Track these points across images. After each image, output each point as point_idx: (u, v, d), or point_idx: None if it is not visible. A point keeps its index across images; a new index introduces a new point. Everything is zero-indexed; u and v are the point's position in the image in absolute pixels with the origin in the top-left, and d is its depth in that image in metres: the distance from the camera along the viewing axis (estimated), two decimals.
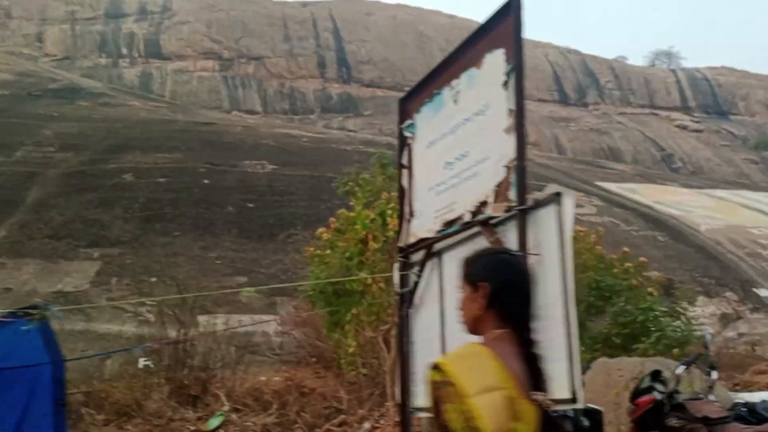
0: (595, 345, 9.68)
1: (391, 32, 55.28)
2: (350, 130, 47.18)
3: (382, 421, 8.17)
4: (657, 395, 4.65)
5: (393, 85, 52.26)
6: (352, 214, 9.46)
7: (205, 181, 20.49)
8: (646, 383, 4.81)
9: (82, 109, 30.33)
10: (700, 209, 23.85)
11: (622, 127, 54.41)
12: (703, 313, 15.93)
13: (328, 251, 9.60)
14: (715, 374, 5.06)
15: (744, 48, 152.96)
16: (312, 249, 10.46)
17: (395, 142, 5.13)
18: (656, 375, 4.95)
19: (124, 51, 45.48)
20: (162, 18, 48.27)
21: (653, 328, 9.63)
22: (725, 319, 16.23)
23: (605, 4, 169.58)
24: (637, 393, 4.78)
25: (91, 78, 39.06)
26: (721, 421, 4.27)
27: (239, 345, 10.80)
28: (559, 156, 41.71)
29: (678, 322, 10.31)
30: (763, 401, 4.98)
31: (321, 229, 10.49)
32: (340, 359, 9.61)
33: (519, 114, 3.55)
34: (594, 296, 10.46)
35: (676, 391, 4.66)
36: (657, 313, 9.91)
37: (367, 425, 8.01)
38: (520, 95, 3.55)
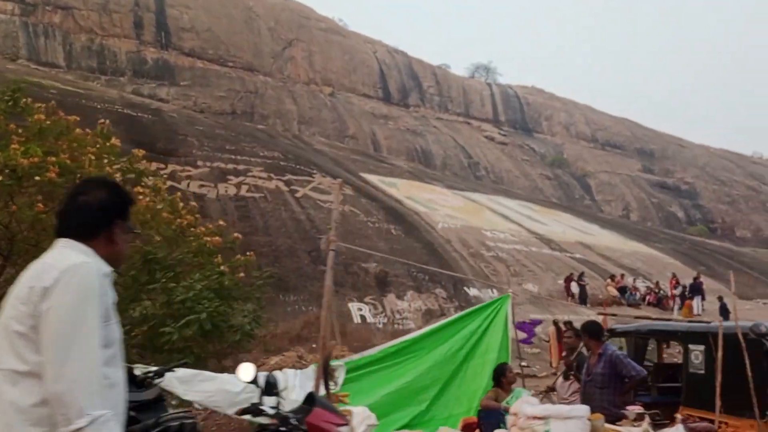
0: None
1: (219, 3, 55.38)
2: (162, 99, 46.84)
3: None
4: None
5: (215, 57, 52.90)
6: None
7: None
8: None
9: None
10: (448, 209, 27.68)
11: (437, 131, 59.10)
12: (410, 308, 18.63)
13: None
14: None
15: (555, 71, 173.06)
16: None
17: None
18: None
19: None
20: None
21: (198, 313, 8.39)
22: (429, 315, 19.05)
23: (438, 12, 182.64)
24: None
25: None
26: None
27: None
28: (341, 146, 44.62)
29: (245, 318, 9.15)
30: None
31: None
32: None
33: None
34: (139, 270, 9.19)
35: None
36: (198, 291, 8.62)
37: None
38: None
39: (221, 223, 11.81)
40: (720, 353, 6.29)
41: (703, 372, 7.05)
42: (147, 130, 24.47)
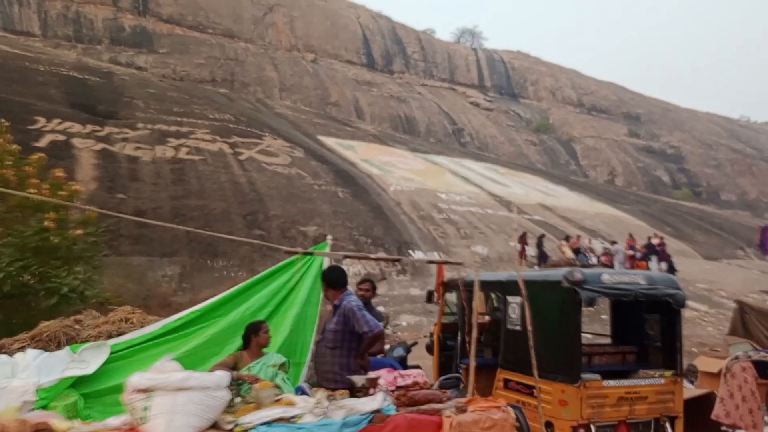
0: None
1: None
2: (140, 67, 45.92)
3: None
4: None
5: (194, 24, 51.88)
6: None
7: None
8: None
9: None
10: (405, 171, 27.04)
11: (421, 98, 58.13)
12: (348, 272, 17.84)
13: None
14: None
15: (541, 35, 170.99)
16: None
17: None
18: None
19: None
20: None
21: None
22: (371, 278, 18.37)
23: None
24: None
25: None
26: None
27: None
28: (306, 109, 43.85)
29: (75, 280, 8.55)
30: None
31: None
32: None
33: None
34: None
35: None
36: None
37: None
38: None
39: (59, 174, 10.30)
40: (526, 303, 5.47)
41: (519, 328, 5.99)
42: (91, 93, 23.74)
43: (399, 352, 7.30)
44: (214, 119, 24.77)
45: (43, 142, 18.02)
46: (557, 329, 5.51)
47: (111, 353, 5.19)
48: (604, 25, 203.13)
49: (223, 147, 21.97)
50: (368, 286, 7.43)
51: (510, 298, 6.39)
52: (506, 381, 6.19)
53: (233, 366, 5.00)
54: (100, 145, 19.04)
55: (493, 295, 7.79)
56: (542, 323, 5.58)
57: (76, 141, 18.72)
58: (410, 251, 20.22)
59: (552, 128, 58.79)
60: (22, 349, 5.39)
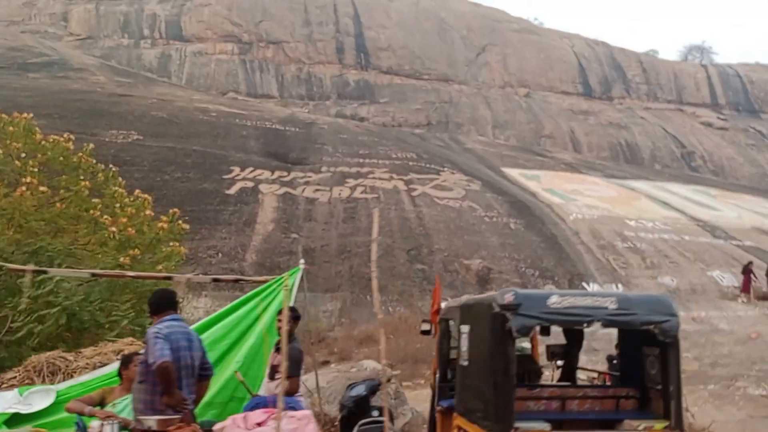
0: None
1: (413, 19, 56.97)
2: (363, 117, 49.08)
3: None
4: None
5: (411, 72, 54.21)
6: None
7: None
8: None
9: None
10: (592, 199, 24.85)
11: (644, 122, 54.54)
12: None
13: None
14: None
15: None
16: None
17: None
18: None
19: (146, 32, 48.61)
20: (184, 0, 51.03)
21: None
22: None
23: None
24: None
25: (112, 58, 42.31)
26: None
27: None
28: (502, 143, 42.53)
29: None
30: None
31: None
32: None
33: None
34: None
35: None
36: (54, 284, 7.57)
37: None
38: None
39: (172, 210, 10.99)
40: (467, 333, 4.53)
41: (467, 363, 4.92)
42: (285, 142, 25.74)
43: (359, 390, 6.33)
44: (396, 158, 25.47)
45: (233, 189, 19.91)
46: (488, 365, 4.47)
47: (58, 396, 5.18)
48: None
49: (398, 184, 22.46)
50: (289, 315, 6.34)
51: (462, 328, 5.17)
52: (459, 429, 5.02)
53: (99, 401, 4.68)
54: (283, 189, 20.54)
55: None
56: (478, 357, 4.66)
57: (262, 186, 20.42)
58: (584, 284, 18.68)
59: None
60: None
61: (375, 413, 5.39)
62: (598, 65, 58.11)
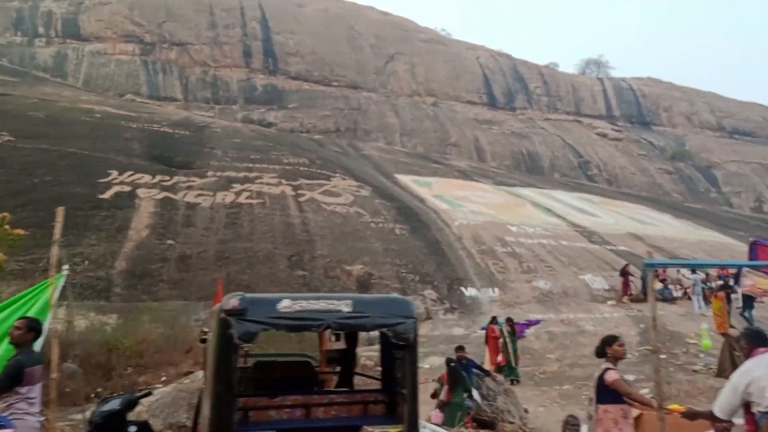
0: None
1: (322, 25, 56.78)
2: (270, 123, 48.46)
3: None
4: None
5: (320, 79, 53.96)
6: None
7: None
8: None
9: None
10: (478, 205, 25.52)
11: (544, 132, 56.33)
12: None
13: None
14: None
15: (670, 60, 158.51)
16: None
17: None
18: None
19: (41, 30, 46.40)
20: None
21: None
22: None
23: (542, 13, 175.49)
24: None
25: (3, 56, 40.16)
26: None
27: None
28: (401, 150, 43.32)
29: None
30: None
31: None
32: None
33: None
34: None
35: None
36: None
37: None
38: None
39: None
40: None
41: (207, 373, 4.68)
42: (172, 146, 25.08)
43: (112, 405, 5.32)
44: (287, 164, 25.25)
45: (108, 194, 19.17)
46: (212, 374, 4.16)
47: None
48: (745, 42, 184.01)
49: (286, 189, 22.25)
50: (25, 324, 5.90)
51: (209, 335, 4.74)
52: None
53: None
54: (164, 194, 19.94)
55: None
56: (210, 366, 4.35)
57: (140, 191, 19.76)
58: (462, 288, 19.00)
59: (689, 155, 54.21)
60: None
61: (132, 429, 5.05)
62: (501, 77, 59.71)
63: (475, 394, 9.93)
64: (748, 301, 16.82)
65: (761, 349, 4.40)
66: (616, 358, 5.58)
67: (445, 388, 9.75)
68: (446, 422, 9.19)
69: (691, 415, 4.81)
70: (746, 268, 17.24)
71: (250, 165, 23.96)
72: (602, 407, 5.34)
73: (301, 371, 5.34)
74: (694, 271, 19.17)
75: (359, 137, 49.40)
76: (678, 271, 21.06)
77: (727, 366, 8.73)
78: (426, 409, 9.51)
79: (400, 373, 4.41)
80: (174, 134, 27.03)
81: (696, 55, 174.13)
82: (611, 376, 5.31)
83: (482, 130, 54.96)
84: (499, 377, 11.62)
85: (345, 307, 4.13)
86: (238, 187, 21.67)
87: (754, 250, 9.74)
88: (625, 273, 20.64)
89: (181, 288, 16.71)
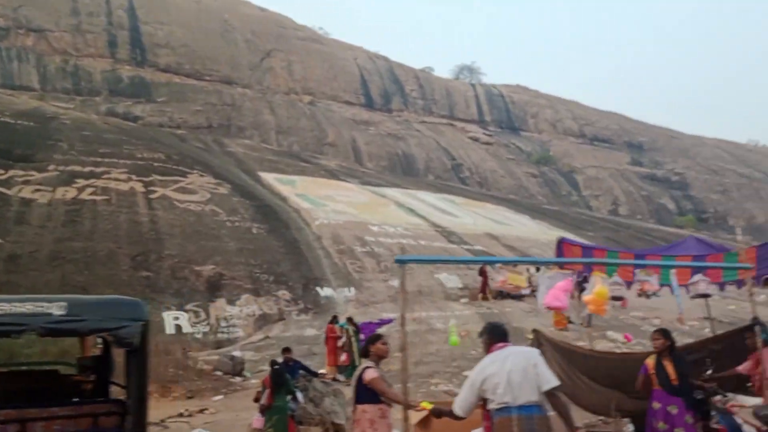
0: None
1: (194, 17, 54.78)
2: (137, 116, 46.08)
3: None
4: None
5: (192, 72, 52.02)
6: None
7: None
8: None
9: None
10: (342, 205, 25.46)
11: (420, 134, 57.14)
12: (240, 314, 16.54)
13: None
14: None
15: (540, 67, 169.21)
16: None
17: None
18: None
19: None
20: None
21: None
22: (263, 320, 16.92)
23: (419, 18, 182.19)
24: None
25: None
26: None
27: None
28: (267, 147, 42.94)
29: None
30: None
31: None
32: None
33: None
34: None
35: None
36: None
37: None
38: None
39: None
40: None
41: None
42: (12, 137, 23.16)
43: None
44: (140, 158, 23.95)
45: None
46: None
47: None
48: (605, 53, 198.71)
49: (136, 185, 21.04)
50: None
51: None
52: None
53: None
54: None
55: None
56: None
57: None
58: (318, 288, 18.71)
59: (553, 160, 56.86)
60: None
61: None
62: (379, 78, 60.14)
63: (300, 396, 9.69)
64: None
65: (498, 345, 4.36)
66: (379, 357, 5.44)
67: (267, 391, 9.44)
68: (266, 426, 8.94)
69: (437, 413, 4.76)
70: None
71: (98, 159, 22.47)
72: (360, 407, 5.14)
73: (48, 381, 4.77)
74: (538, 269, 19.90)
75: (233, 134, 48.10)
76: (528, 268, 21.82)
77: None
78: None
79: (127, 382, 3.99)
80: (15, 125, 24.90)
81: (563, 67, 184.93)
82: (369, 374, 5.13)
83: (359, 130, 55.06)
84: (331, 379, 11.43)
85: (57, 309, 3.67)
86: (81, 182, 20.22)
87: (560, 248, 10.05)
88: (483, 272, 21.16)
89: (9, 290, 15.31)
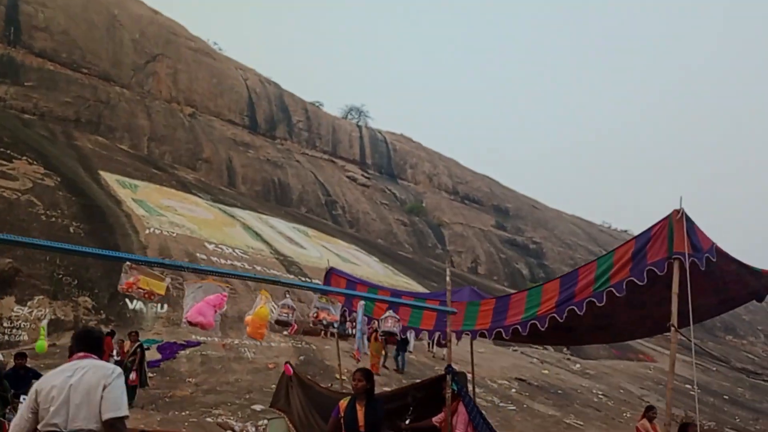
0: None
1: (80, 6, 51.91)
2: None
3: None
4: None
5: (68, 62, 48.84)
6: None
7: None
8: None
9: None
10: (182, 218, 24.43)
11: (299, 165, 56.51)
12: (30, 316, 15.05)
13: None
14: None
15: (426, 123, 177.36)
16: None
17: None
18: None
19: None
20: None
21: None
22: (54, 326, 15.59)
23: (318, 53, 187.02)
24: None
25: None
26: None
27: None
28: (121, 148, 41.19)
29: None
30: None
31: None
32: None
33: None
34: None
35: None
36: None
37: None
38: None
39: None
40: None
41: None
42: None
43: None
44: None
45: None
46: None
47: None
48: (488, 116, 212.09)
49: None
50: None
51: None
52: None
53: None
54: None
55: None
56: None
57: None
58: (127, 300, 17.32)
59: (424, 211, 57.81)
60: None
61: None
62: (267, 103, 59.29)
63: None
64: (402, 344, 17.34)
65: (79, 355, 3.69)
66: None
67: None
68: None
69: None
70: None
71: None
72: None
73: None
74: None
75: (101, 132, 45.46)
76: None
77: (281, 397, 8.41)
78: None
79: None
80: None
81: (448, 121, 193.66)
82: None
83: (238, 151, 53.76)
84: None
85: None
86: None
87: (328, 277, 9.73)
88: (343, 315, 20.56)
89: None
